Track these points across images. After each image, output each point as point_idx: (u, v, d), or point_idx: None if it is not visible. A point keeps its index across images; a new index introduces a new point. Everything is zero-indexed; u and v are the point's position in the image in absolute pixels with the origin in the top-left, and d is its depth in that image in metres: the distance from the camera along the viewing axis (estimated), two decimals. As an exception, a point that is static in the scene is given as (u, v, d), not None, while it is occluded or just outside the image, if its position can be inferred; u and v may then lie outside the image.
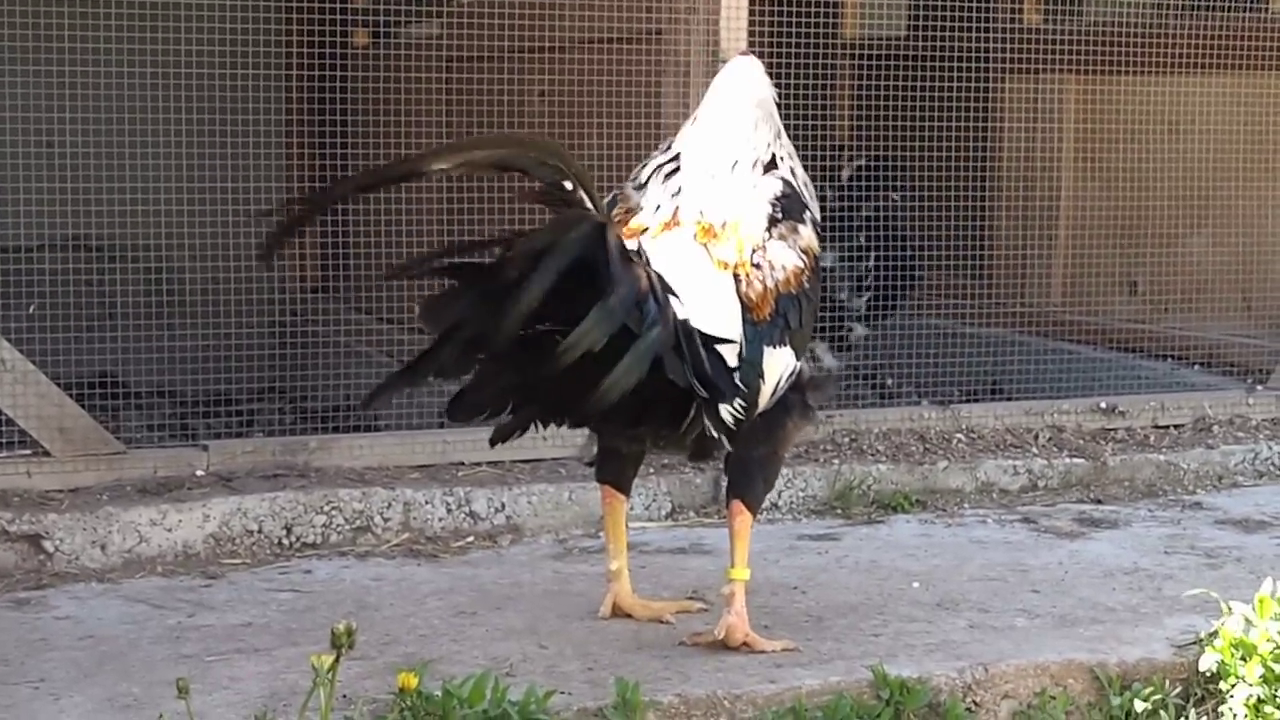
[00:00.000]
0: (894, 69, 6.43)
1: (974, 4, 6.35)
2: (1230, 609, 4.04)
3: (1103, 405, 6.28)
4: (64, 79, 5.88)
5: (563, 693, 3.64)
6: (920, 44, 7.21)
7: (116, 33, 5.64)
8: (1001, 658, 3.99)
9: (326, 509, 4.94)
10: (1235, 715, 3.91)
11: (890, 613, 4.34)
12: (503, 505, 5.12)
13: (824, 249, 4.17)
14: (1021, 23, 7.91)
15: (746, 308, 3.87)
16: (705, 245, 3.92)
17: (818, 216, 4.14)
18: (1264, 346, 7.00)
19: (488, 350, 3.53)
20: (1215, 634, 4.02)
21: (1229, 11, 6.91)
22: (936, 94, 6.58)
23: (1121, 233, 7.28)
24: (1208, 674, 4.00)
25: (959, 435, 5.95)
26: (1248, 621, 3.99)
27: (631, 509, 5.01)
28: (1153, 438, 6.20)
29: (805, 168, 4.21)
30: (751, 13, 5.69)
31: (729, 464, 4.02)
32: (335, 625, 3.08)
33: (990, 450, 5.88)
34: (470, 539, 5.03)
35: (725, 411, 3.72)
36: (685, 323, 3.62)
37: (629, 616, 4.22)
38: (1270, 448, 6.17)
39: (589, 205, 3.52)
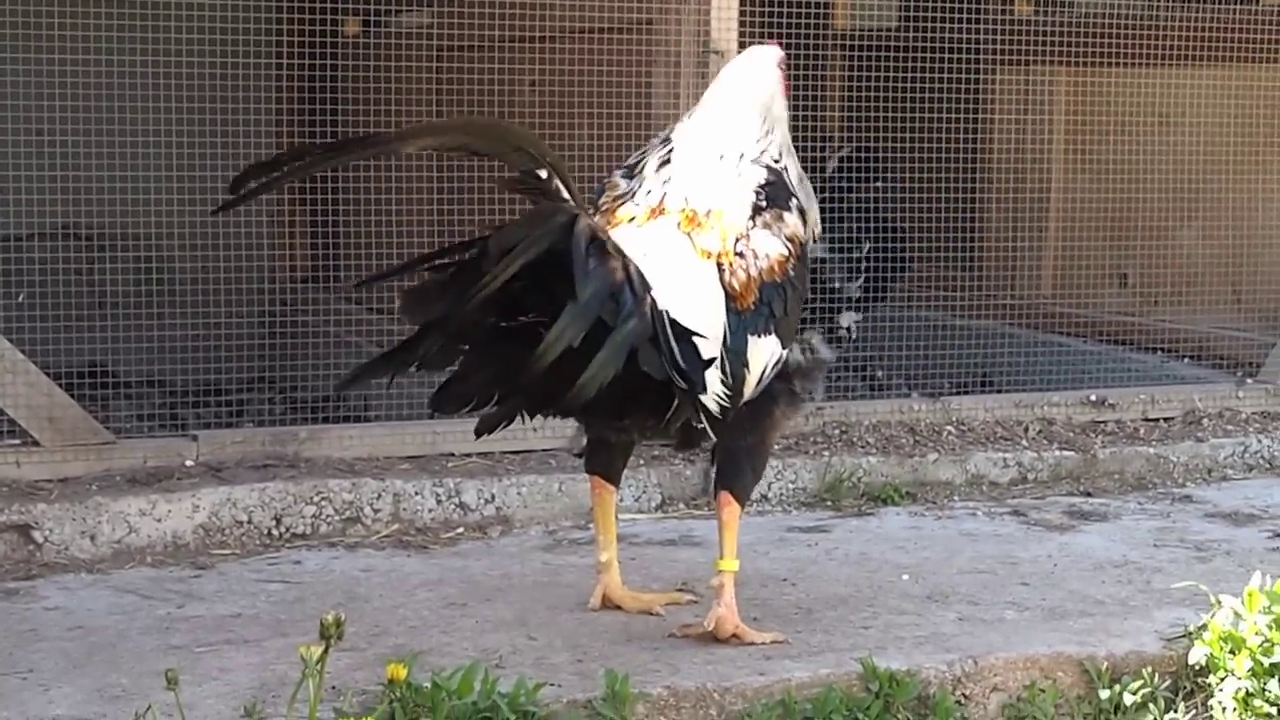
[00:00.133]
0: (885, 61, 6.41)
1: (965, -4, 6.36)
2: (1219, 602, 4.05)
3: (1093, 398, 6.29)
4: (54, 68, 5.86)
5: (552, 684, 3.64)
6: (911, 36, 7.20)
7: (107, 22, 5.63)
8: (991, 650, 3.99)
9: (316, 500, 4.94)
10: (1224, 708, 3.91)
11: (880, 605, 4.35)
12: (493, 496, 5.12)
13: (821, 241, 4.17)
14: (1012, 14, 7.90)
15: (730, 296, 3.86)
16: (689, 234, 3.91)
17: (815, 214, 4.13)
18: (1254, 339, 7.00)
19: (469, 342, 3.55)
20: (1204, 627, 4.03)
21: (1220, 4, 6.92)
22: (927, 86, 6.57)
23: (1112, 225, 7.29)
24: (1197, 667, 4.01)
25: (949, 428, 5.95)
26: (1236, 615, 4.00)
27: (621, 501, 5.02)
28: (1142, 430, 6.20)
29: (797, 159, 4.21)
30: (743, 3, 5.68)
31: (716, 454, 4.03)
32: (324, 616, 3.07)
33: (980, 443, 5.89)
34: (460, 530, 5.02)
35: (707, 401, 3.73)
36: (664, 313, 3.62)
37: (618, 608, 4.22)
38: (1260, 441, 6.18)
39: (565, 194, 3.54)
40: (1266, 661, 3.91)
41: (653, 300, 3.59)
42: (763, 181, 4.04)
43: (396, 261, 3.72)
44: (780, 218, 4.01)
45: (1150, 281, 7.17)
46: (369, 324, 6.86)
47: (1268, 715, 3.89)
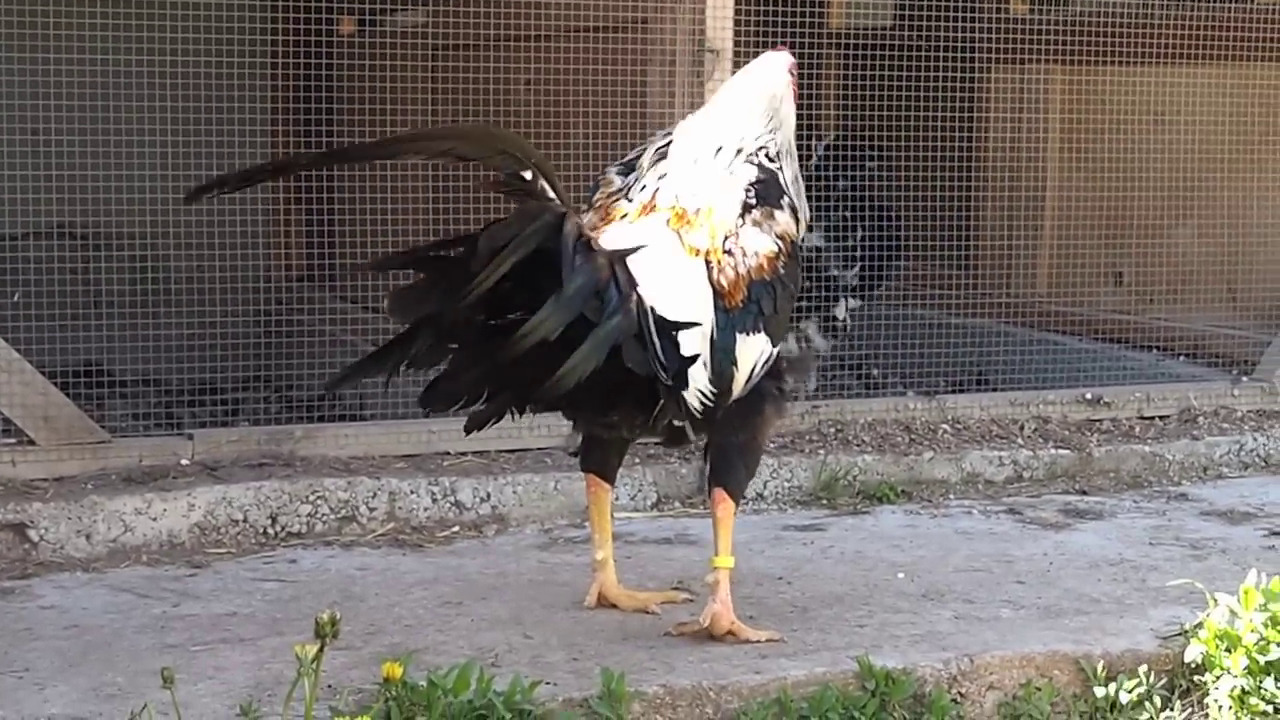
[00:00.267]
0: (880, 59, 6.42)
1: (960, -6, 6.36)
2: (1215, 600, 4.04)
3: (1088, 396, 6.29)
4: (49, 67, 5.86)
5: (548, 683, 3.64)
6: (906, 34, 7.20)
7: (102, 20, 5.62)
8: (987, 649, 3.99)
9: (312, 498, 4.93)
10: (1220, 706, 3.91)
11: (875, 603, 4.35)
12: (488, 495, 5.12)
13: (813, 230, 4.17)
14: (1007, 13, 7.91)
15: (718, 294, 3.87)
16: (678, 231, 3.92)
17: (806, 214, 4.13)
18: (1249, 338, 7.01)
19: (457, 341, 3.56)
20: (1200, 625, 4.03)
21: (1214, 2, 6.92)
22: (922, 84, 6.57)
23: (1107, 224, 7.29)
24: (1193, 665, 4.01)
25: (944, 426, 5.95)
26: (1232, 613, 4.00)
27: (617, 499, 5.02)
28: (1138, 429, 6.20)
29: (796, 163, 4.21)
30: (738, 2, 5.68)
31: (709, 452, 4.03)
32: (320, 615, 3.07)
33: (976, 441, 5.89)
34: (455, 529, 5.02)
35: (692, 398, 3.73)
36: (650, 310, 3.63)
37: (614, 607, 4.22)
38: (1255, 439, 6.18)
39: (550, 194, 3.56)
40: (1262, 659, 3.91)
41: (639, 297, 3.60)
42: (754, 179, 4.04)
43: (383, 256, 3.74)
44: (771, 215, 4.00)
45: (1145, 280, 7.18)
46: (365, 323, 6.85)
47: (1263, 713, 3.89)
